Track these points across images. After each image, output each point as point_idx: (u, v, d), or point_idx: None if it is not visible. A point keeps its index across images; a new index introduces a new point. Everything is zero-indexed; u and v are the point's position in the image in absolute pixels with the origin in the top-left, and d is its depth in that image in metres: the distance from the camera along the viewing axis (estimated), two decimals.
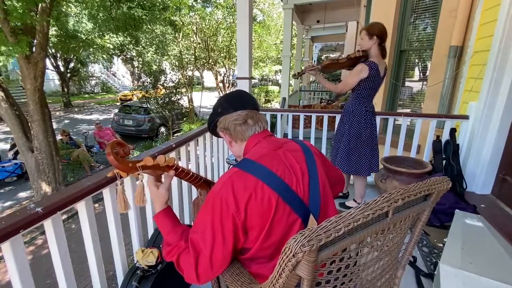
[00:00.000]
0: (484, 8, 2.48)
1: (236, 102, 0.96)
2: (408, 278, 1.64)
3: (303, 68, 2.24)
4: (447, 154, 2.48)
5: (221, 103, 0.98)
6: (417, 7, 3.48)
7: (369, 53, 2.03)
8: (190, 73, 14.26)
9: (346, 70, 2.31)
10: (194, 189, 2.07)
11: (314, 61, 19.21)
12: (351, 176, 2.40)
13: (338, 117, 2.63)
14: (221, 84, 15.92)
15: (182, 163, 0.93)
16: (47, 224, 0.99)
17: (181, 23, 12.07)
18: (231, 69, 16.70)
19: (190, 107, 12.57)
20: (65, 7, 8.31)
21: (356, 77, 2.01)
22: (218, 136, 1.05)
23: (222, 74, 16.24)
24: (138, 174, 0.83)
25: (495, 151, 2.32)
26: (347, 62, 2.13)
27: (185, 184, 2.00)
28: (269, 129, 1.02)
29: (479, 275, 1.18)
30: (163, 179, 0.95)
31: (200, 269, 0.79)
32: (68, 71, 15.95)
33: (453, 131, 2.53)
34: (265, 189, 0.78)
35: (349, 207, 2.42)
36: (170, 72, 11.61)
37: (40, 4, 4.70)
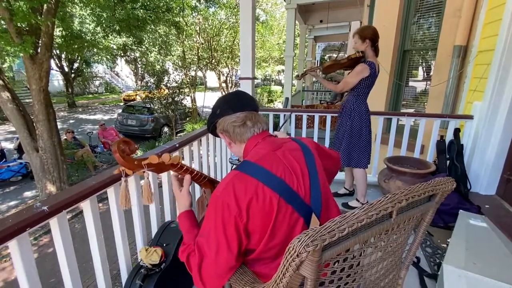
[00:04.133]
0: (489, 7, 2.46)
1: (234, 103, 0.96)
2: (411, 279, 1.64)
3: (305, 69, 2.28)
4: (451, 154, 2.47)
5: (220, 104, 0.98)
6: (421, 6, 3.46)
7: (366, 54, 2.13)
8: (193, 73, 14.29)
9: (344, 70, 2.40)
10: (197, 188, 2.09)
11: (317, 61, 19.17)
12: (354, 175, 2.41)
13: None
14: (224, 84, 15.91)
15: (185, 163, 0.94)
16: (53, 222, 1.00)
17: (184, 23, 12.10)
18: (234, 69, 16.69)
19: (193, 107, 12.59)
20: (70, 7, 8.38)
21: (357, 76, 2.11)
22: (218, 136, 1.05)
23: (225, 74, 16.22)
24: (144, 172, 0.84)
25: (499, 152, 2.31)
26: (348, 62, 2.21)
27: None
28: (271, 129, 1.03)
29: (483, 276, 1.17)
30: (184, 184, 0.98)
31: (203, 271, 0.79)
32: (72, 71, 16.07)
33: (457, 131, 2.51)
34: (266, 190, 0.78)
35: (352, 207, 2.41)
36: (173, 72, 11.63)
37: (45, 5, 4.75)
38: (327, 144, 3.03)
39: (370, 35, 2.07)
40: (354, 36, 2.12)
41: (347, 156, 2.29)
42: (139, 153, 8.27)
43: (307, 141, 0.99)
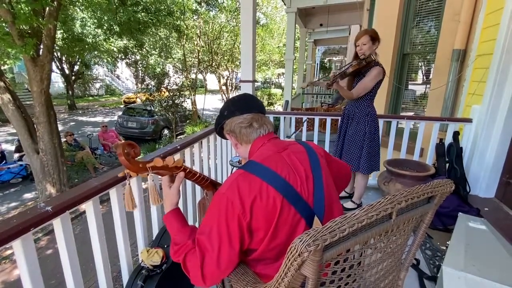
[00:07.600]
0: (487, 12, 2.49)
1: (242, 105, 0.98)
2: (411, 281, 1.64)
3: (332, 78, 2.07)
4: (450, 157, 2.48)
5: (228, 106, 1.01)
6: (420, 10, 3.49)
7: (374, 56, 2.09)
8: (193, 76, 14.33)
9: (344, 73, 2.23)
10: (198, 190, 2.09)
11: (317, 64, 19.21)
12: (358, 179, 2.41)
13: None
14: (224, 87, 15.94)
15: (186, 165, 0.96)
16: (56, 223, 1.01)
17: (185, 26, 12.16)
18: (234, 72, 16.74)
19: (194, 109, 12.61)
20: (71, 10, 8.42)
21: (375, 80, 2.08)
22: (225, 138, 1.07)
23: (225, 77, 16.26)
24: (147, 174, 0.85)
25: (498, 154, 2.32)
26: (364, 66, 2.09)
27: (189, 185, 2.02)
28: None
29: (482, 278, 1.18)
30: (176, 181, 0.95)
31: (206, 269, 0.79)
32: (73, 73, 16.11)
33: (456, 134, 2.52)
34: (270, 190, 0.79)
35: (346, 208, 2.42)
36: (173, 75, 11.66)
37: (47, 8, 4.78)
38: (327, 147, 3.04)
39: (379, 37, 2.04)
40: (362, 38, 2.03)
41: (369, 163, 2.25)
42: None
43: (314, 146, 1.01)
